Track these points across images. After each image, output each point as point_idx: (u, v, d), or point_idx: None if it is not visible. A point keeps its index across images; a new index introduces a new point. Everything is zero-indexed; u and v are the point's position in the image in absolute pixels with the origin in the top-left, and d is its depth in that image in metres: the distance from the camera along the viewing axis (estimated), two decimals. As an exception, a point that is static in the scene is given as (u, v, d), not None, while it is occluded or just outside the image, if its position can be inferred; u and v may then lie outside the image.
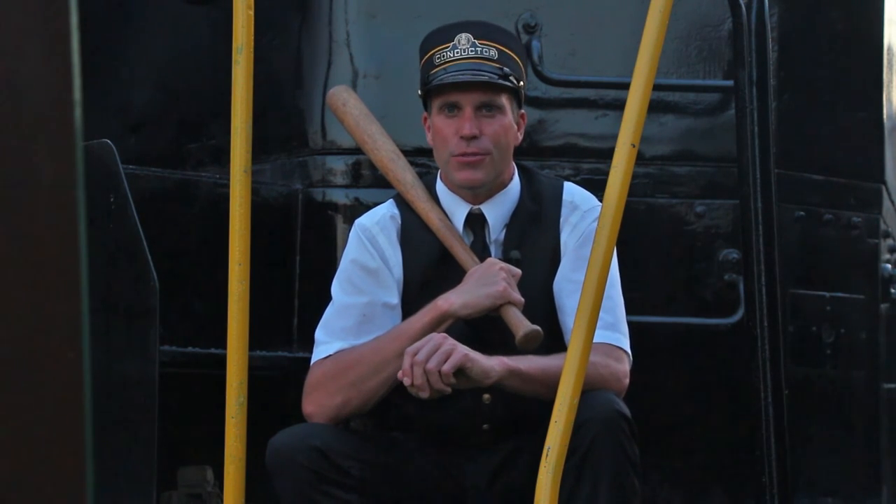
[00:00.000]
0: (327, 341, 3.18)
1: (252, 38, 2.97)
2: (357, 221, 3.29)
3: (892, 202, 4.36)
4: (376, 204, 3.42)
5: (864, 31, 4.27)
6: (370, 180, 3.79)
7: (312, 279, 3.78)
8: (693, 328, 3.79)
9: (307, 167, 3.87)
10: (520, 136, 3.24)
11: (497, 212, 3.21)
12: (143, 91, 4.39)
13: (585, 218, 3.19)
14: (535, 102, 3.86)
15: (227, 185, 3.00)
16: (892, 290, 4.22)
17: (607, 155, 2.99)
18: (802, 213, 3.97)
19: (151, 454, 3.17)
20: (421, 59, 3.24)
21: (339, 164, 3.84)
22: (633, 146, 2.89)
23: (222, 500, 3.01)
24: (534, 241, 3.20)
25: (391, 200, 3.32)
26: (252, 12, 2.97)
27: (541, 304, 3.14)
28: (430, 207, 3.23)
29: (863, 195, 4.13)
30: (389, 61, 3.84)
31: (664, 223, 3.86)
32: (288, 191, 3.83)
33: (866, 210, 4.11)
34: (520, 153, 3.44)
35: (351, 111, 3.40)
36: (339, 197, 3.83)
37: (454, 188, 3.22)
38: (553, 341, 3.09)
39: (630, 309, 3.32)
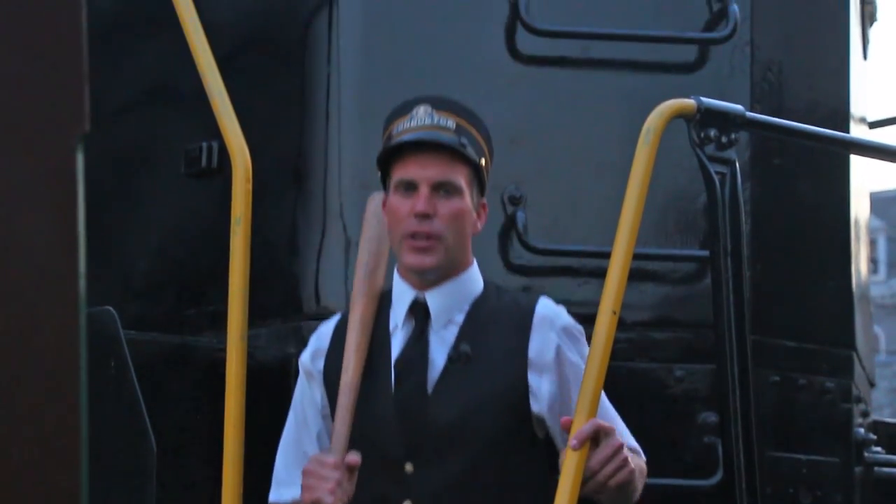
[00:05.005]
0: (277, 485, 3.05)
1: (250, 209, 2.99)
2: None
3: (864, 368, 4.36)
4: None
5: (832, 204, 4.31)
6: (362, 345, 3.78)
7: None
8: (674, 490, 3.75)
9: (301, 332, 3.87)
10: (479, 226, 2.97)
11: (441, 302, 2.93)
12: (145, 259, 4.40)
13: (564, 335, 2.95)
14: (521, 270, 3.88)
15: (224, 350, 2.99)
16: (866, 454, 4.19)
17: (590, 321, 2.99)
18: (777, 377, 3.97)
19: None
20: (382, 136, 3.03)
21: (331, 330, 3.84)
22: (615, 313, 2.89)
23: None
24: (492, 340, 2.91)
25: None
26: (250, 185, 3.00)
27: (494, 405, 2.86)
28: (352, 358, 2.90)
29: (835, 361, 4.13)
30: (381, 231, 3.86)
31: (645, 386, 3.85)
32: (282, 355, 3.82)
33: (838, 375, 4.11)
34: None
35: (372, 226, 3.07)
36: (332, 361, 3.82)
37: (404, 273, 2.96)
38: (511, 448, 2.88)
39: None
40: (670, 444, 3.81)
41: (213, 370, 3.46)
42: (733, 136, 3.24)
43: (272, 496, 3.05)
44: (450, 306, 2.93)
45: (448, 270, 2.93)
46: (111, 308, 3.22)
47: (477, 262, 3.05)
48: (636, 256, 3.04)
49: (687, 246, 3.95)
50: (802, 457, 3.97)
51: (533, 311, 2.95)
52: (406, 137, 2.88)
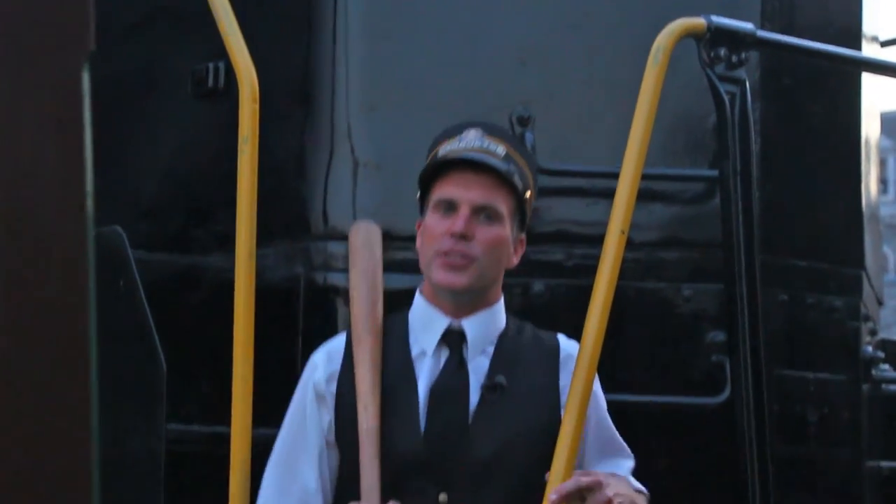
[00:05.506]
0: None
1: (257, 129, 2.98)
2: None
3: (872, 287, 4.36)
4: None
5: (842, 123, 4.29)
6: (370, 265, 3.79)
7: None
8: (682, 408, 3.77)
9: (309, 252, 3.87)
10: (515, 261, 2.87)
11: (478, 330, 2.83)
12: (153, 179, 4.41)
13: None
14: (529, 191, 3.87)
15: (232, 270, 3.00)
16: (874, 372, 4.20)
17: (598, 241, 3.00)
18: (786, 296, 3.97)
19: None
20: (427, 158, 2.92)
21: (339, 249, 3.84)
22: (623, 233, 2.89)
23: (226, 576, 2.98)
24: (524, 373, 2.83)
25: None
26: (257, 106, 2.99)
27: (530, 439, 2.78)
28: (371, 401, 2.75)
29: (843, 280, 4.13)
30: (389, 152, 3.86)
31: (653, 306, 3.86)
32: (290, 275, 3.83)
33: (847, 294, 4.11)
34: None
35: (364, 258, 2.94)
36: (340, 281, 3.83)
37: (434, 298, 2.84)
38: (538, 483, 2.75)
39: (621, 389, 3.29)
40: (678, 363, 3.82)
41: (221, 290, 3.48)
42: (743, 55, 3.23)
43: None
44: (484, 336, 2.83)
45: (480, 298, 2.83)
46: (119, 228, 3.22)
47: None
48: (645, 177, 3.03)
49: (696, 166, 3.94)
50: (810, 375, 3.99)
51: (558, 347, 2.88)
52: (454, 156, 2.78)
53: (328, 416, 2.84)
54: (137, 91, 4.46)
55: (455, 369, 2.79)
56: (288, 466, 2.86)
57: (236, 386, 2.93)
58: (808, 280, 4.04)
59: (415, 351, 2.83)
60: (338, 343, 2.92)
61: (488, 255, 2.77)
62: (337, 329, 3.80)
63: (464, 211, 2.76)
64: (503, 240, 2.79)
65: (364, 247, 2.91)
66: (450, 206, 2.78)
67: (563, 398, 2.81)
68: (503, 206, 2.79)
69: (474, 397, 2.78)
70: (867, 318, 4.23)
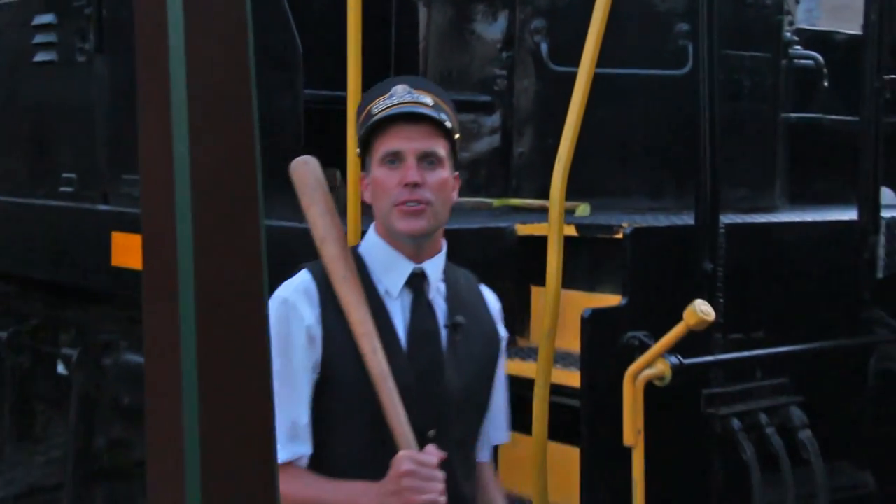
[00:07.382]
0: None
1: None
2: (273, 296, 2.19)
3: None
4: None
5: None
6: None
7: (402, 46, 3.69)
8: (658, 78, 3.75)
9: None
10: (454, 196, 2.26)
11: (436, 273, 2.26)
12: None
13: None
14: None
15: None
16: (790, 51, 4.13)
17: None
18: (733, 0, 3.86)
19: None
20: (358, 120, 2.29)
21: (427, -35, 3.73)
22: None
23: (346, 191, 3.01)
24: (469, 313, 2.28)
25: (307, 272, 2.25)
26: None
27: (483, 374, 2.30)
28: (378, 344, 2.11)
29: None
30: None
31: (636, 5, 3.75)
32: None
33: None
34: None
35: (322, 197, 2.22)
36: (425, -8, 3.72)
37: (395, 243, 2.24)
38: (474, 429, 2.32)
39: (614, 64, 3.20)
40: (654, 45, 3.77)
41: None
42: None
43: (288, 454, 2.18)
44: (438, 278, 2.28)
45: (434, 244, 2.27)
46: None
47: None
48: None
49: None
50: (746, 53, 3.92)
51: (483, 296, 2.35)
52: (391, 112, 2.21)
53: (316, 356, 2.20)
54: None
55: (426, 311, 2.24)
56: (282, 412, 2.19)
57: (351, 57, 2.90)
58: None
59: (381, 290, 2.25)
60: (305, 283, 2.24)
61: (439, 197, 2.20)
62: (418, 24, 3.70)
63: (410, 160, 2.19)
64: (448, 181, 2.23)
65: (318, 184, 2.25)
66: (395, 158, 2.21)
67: (503, 345, 2.35)
68: (442, 149, 2.22)
69: (444, 336, 2.27)
70: (788, 13, 4.11)
